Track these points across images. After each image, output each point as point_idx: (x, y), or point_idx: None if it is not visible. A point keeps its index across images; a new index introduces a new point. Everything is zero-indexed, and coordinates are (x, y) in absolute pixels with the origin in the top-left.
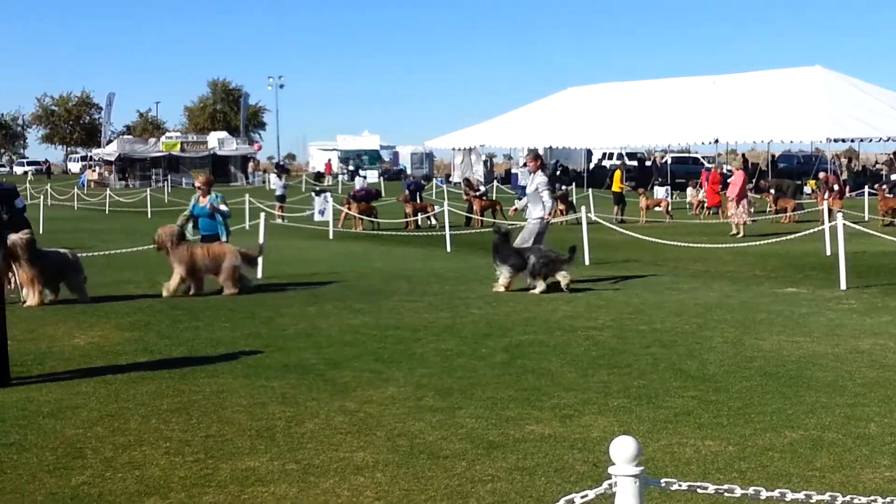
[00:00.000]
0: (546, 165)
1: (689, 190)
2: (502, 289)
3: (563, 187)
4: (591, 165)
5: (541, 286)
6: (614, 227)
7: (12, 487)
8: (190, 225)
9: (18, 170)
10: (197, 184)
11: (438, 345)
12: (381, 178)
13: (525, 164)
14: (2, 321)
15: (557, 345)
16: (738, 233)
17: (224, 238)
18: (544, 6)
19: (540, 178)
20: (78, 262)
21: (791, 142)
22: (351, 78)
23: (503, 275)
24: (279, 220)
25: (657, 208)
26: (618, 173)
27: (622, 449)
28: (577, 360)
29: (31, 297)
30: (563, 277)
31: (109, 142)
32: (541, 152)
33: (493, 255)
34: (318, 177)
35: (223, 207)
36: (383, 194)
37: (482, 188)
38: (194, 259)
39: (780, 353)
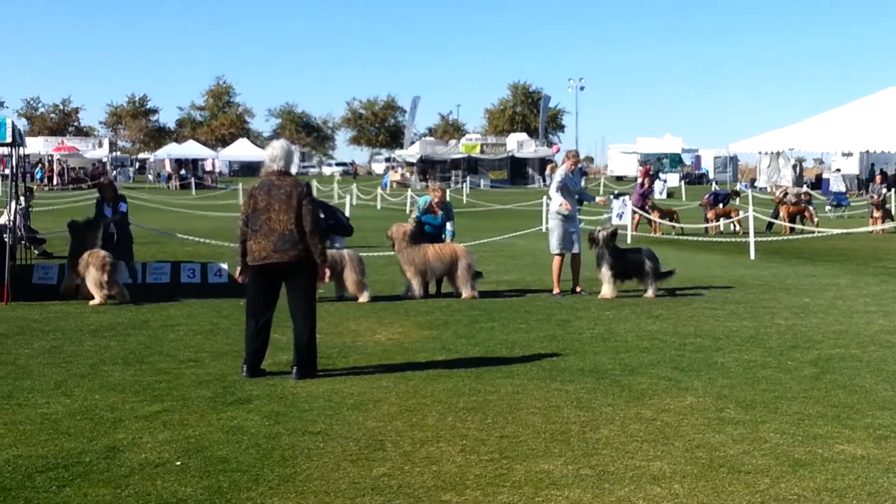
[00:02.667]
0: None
1: None
2: (610, 295)
3: (884, 191)
4: None
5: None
6: None
7: (318, 475)
8: None
9: (326, 170)
10: (435, 200)
11: (741, 355)
12: (682, 181)
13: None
14: (313, 318)
15: (872, 360)
16: None
17: (449, 239)
18: None
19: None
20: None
21: None
22: (653, 79)
23: (606, 280)
24: None
25: None
26: None
27: None
28: (895, 378)
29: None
30: (654, 290)
31: (412, 143)
32: (855, 156)
33: (597, 258)
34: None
35: (451, 227)
36: (683, 198)
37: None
38: (427, 260)
39: None
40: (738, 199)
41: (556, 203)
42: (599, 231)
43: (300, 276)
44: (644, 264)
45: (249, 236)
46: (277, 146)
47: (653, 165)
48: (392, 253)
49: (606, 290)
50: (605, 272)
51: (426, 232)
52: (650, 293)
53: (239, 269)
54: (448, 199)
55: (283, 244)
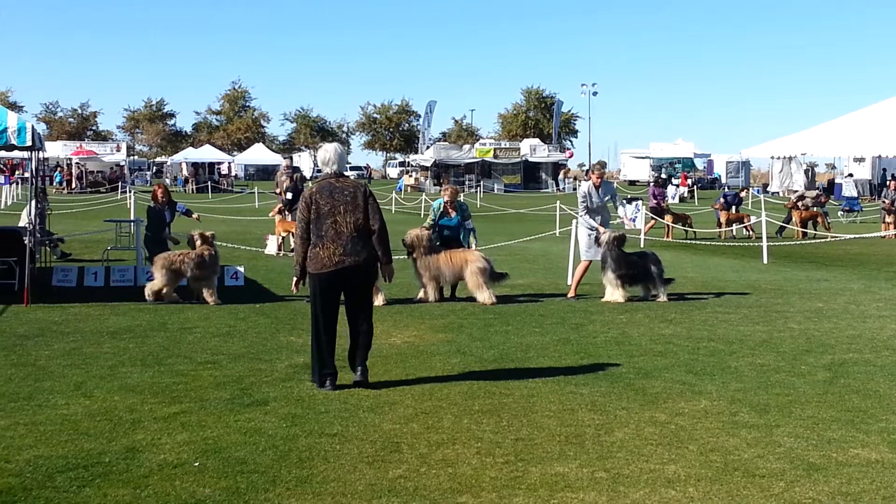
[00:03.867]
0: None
1: None
2: (621, 300)
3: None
4: None
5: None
6: None
7: (335, 476)
8: None
9: None
10: (446, 198)
11: (754, 359)
12: (695, 186)
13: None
14: (372, 318)
15: (885, 365)
16: None
17: (472, 238)
18: (874, 4)
19: (611, 188)
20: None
21: None
22: (665, 84)
23: (613, 284)
24: None
25: None
26: None
27: None
28: None
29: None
30: (665, 294)
31: (426, 148)
32: (868, 161)
33: (602, 262)
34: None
35: (469, 224)
36: (696, 202)
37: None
38: (438, 266)
39: None
40: (745, 193)
41: (588, 223)
42: (603, 234)
43: (366, 276)
44: (650, 269)
45: (315, 243)
46: (330, 149)
47: (666, 170)
48: (405, 257)
49: (617, 294)
50: (612, 277)
51: (444, 236)
52: (662, 297)
53: (296, 278)
54: (461, 198)
55: (353, 246)
